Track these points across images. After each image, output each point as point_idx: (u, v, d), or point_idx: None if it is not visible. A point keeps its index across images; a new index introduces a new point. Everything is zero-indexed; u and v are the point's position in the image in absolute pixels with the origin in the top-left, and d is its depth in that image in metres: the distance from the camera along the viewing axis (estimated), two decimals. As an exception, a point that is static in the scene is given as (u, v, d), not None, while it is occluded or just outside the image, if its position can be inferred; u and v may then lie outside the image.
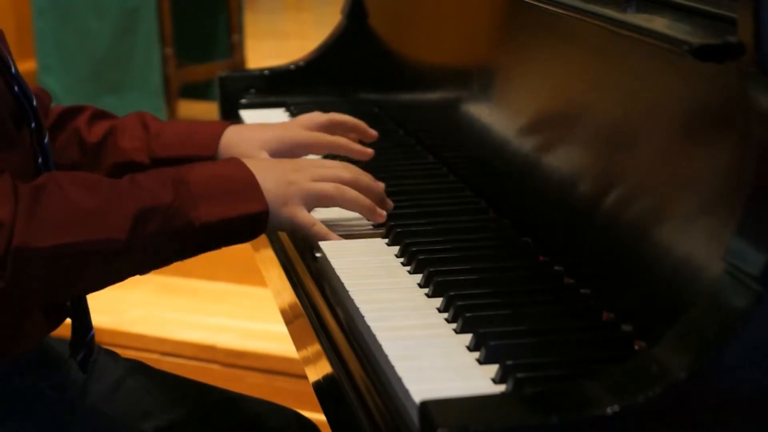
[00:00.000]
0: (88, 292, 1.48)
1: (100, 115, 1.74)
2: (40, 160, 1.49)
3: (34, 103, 1.48)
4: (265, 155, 1.68)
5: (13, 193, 1.31)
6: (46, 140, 1.50)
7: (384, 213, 1.52)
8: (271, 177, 1.45)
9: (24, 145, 1.48)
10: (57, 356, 1.57)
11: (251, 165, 1.46)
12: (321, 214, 1.53)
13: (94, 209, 1.34)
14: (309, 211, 1.48)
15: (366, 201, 1.50)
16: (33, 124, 1.48)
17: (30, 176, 1.45)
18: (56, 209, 1.32)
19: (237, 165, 1.46)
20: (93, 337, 1.56)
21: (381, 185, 1.54)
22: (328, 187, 1.48)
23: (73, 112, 1.73)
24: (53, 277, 1.33)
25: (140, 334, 3.30)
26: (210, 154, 1.69)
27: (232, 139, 1.70)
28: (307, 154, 1.72)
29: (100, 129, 1.71)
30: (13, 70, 1.46)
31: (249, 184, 1.43)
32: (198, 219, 1.38)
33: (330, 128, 1.75)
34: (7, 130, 1.42)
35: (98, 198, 1.35)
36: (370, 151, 1.74)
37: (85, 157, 1.70)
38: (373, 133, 1.79)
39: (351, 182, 1.50)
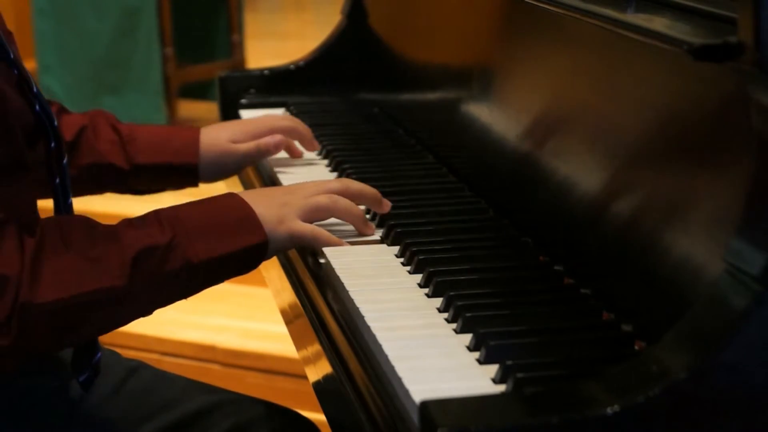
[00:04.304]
0: (94, 338, 1.48)
1: (63, 110, 1.77)
2: (57, 180, 1.49)
3: (55, 123, 1.47)
4: (231, 145, 1.80)
5: (19, 249, 1.29)
6: (65, 161, 1.50)
7: (373, 226, 1.53)
8: (264, 203, 1.44)
9: (41, 166, 1.47)
10: (59, 357, 1.57)
11: (245, 196, 1.45)
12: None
13: (93, 258, 1.32)
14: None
15: (358, 211, 1.50)
16: (53, 144, 1.47)
17: (46, 197, 1.48)
18: (58, 263, 1.31)
19: (232, 198, 1.45)
20: (99, 359, 1.54)
21: (374, 190, 1.55)
22: (321, 198, 1.47)
23: None
24: (57, 329, 1.32)
25: (140, 334, 3.29)
26: (194, 162, 1.78)
27: (205, 140, 1.80)
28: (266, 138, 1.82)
29: (72, 127, 1.75)
30: (35, 89, 1.45)
31: (246, 216, 1.42)
32: (196, 257, 1.37)
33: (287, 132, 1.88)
34: (23, 158, 1.40)
35: (97, 246, 1.33)
36: (317, 144, 1.90)
37: None
38: (317, 146, 1.92)
39: (341, 190, 1.50)
